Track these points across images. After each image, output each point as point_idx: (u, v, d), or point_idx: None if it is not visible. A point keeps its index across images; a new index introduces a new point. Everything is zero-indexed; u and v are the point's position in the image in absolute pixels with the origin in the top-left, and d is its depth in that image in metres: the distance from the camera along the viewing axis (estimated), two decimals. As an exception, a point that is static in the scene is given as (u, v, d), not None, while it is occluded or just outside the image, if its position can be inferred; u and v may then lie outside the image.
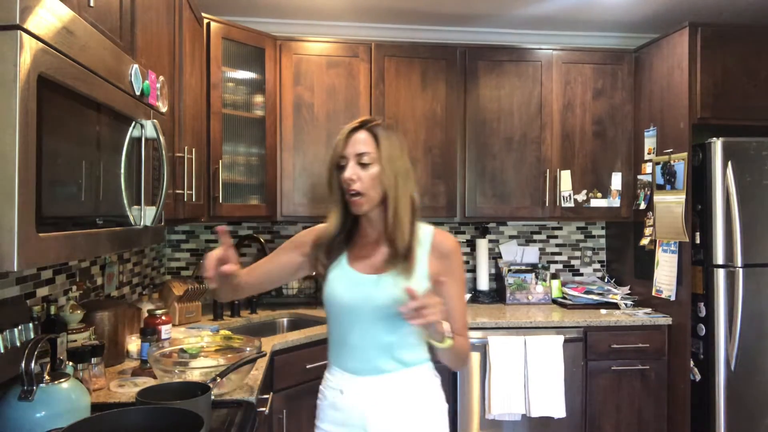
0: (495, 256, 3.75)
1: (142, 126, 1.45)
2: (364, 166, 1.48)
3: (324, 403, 1.62)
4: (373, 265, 1.53)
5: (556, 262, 3.83)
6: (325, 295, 1.57)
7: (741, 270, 2.88)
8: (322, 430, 1.62)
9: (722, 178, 2.91)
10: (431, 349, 1.53)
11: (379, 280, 1.50)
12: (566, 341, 3.01)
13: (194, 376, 1.75)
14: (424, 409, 1.54)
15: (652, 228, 3.24)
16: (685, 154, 2.98)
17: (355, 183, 1.48)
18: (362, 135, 1.50)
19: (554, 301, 3.54)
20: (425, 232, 1.56)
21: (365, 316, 1.51)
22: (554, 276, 3.69)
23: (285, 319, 3.19)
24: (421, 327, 1.37)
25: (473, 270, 3.69)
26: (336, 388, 1.57)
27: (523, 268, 3.61)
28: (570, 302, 3.40)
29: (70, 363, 1.73)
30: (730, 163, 2.90)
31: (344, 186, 1.50)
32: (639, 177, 3.38)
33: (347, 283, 1.54)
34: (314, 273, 1.65)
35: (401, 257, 1.48)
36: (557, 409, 2.94)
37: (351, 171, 1.48)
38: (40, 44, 0.95)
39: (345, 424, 1.54)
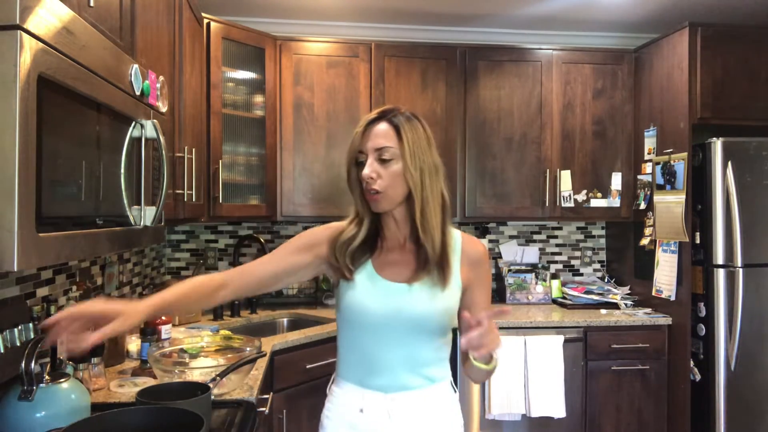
0: (495, 256, 3.75)
1: (142, 126, 1.45)
2: (384, 162, 1.32)
3: (334, 422, 1.44)
4: (402, 273, 1.38)
5: (556, 262, 3.83)
6: (349, 305, 1.38)
7: (741, 270, 2.88)
8: None
9: (722, 178, 2.91)
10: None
11: (411, 290, 1.35)
12: (566, 341, 3.01)
13: (194, 376, 1.75)
14: (447, 427, 1.44)
15: (652, 228, 3.24)
16: (685, 154, 2.98)
17: (375, 182, 1.32)
18: (382, 127, 1.33)
19: (554, 301, 3.54)
20: (455, 236, 1.43)
21: (396, 330, 1.36)
22: (554, 276, 3.69)
23: (285, 319, 3.19)
24: (477, 353, 1.26)
25: (473, 270, 3.68)
26: (354, 406, 1.40)
27: (523, 268, 3.61)
28: (570, 302, 3.40)
29: (70, 363, 1.73)
30: (730, 163, 2.90)
31: (363, 184, 1.35)
32: (639, 177, 3.38)
33: (376, 292, 1.37)
34: (330, 278, 1.47)
35: (433, 264, 1.35)
36: (557, 409, 2.94)
37: (370, 168, 1.32)
38: (40, 44, 0.95)
39: None
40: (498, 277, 3.66)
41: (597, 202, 3.43)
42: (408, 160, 1.32)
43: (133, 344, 2.26)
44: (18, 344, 1.48)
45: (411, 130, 1.34)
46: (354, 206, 1.42)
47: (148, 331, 2.11)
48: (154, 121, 1.49)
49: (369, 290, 1.37)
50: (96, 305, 1.15)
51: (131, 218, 1.42)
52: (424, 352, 1.40)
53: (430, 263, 1.35)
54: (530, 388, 2.94)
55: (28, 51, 0.91)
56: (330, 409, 1.46)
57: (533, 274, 3.56)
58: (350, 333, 1.42)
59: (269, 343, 2.47)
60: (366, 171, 1.32)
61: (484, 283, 1.46)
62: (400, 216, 1.40)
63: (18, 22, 0.89)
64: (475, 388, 3.00)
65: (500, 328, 3.06)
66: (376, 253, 1.42)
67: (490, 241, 3.72)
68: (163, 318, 2.21)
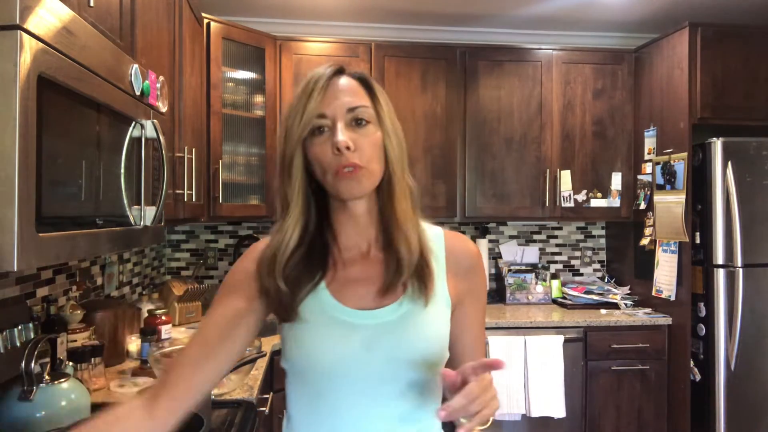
0: (495, 256, 3.75)
1: (142, 126, 1.45)
2: (359, 126, 0.96)
3: None
4: (369, 293, 0.99)
5: (556, 262, 3.82)
6: (299, 353, 0.98)
7: (741, 270, 2.88)
8: None
9: (722, 178, 2.91)
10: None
11: (389, 316, 0.97)
12: (566, 341, 3.01)
13: (194, 376, 1.74)
14: None
15: (652, 228, 3.24)
16: (685, 154, 2.98)
17: (353, 154, 0.93)
18: (351, 83, 0.99)
19: (554, 301, 3.54)
20: (435, 234, 1.06)
21: (367, 379, 0.96)
22: (554, 276, 3.69)
23: (285, 319, 3.18)
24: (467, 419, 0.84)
25: (473, 270, 3.69)
26: None
27: (523, 268, 3.61)
28: (570, 302, 3.40)
29: (70, 363, 1.73)
30: (730, 163, 2.90)
31: (328, 162, 0.94)
32: (639, 177, 3.38)
33: (336, 329, 0.97)
34: (268, 317, 1.02)
35: (410, 273, 0.97)
36: (557, 409, 2.94)
37: (344, 134, 0.93)
38: (40, 44, 0.95)
39: None
40: (498, 277, 3.66)
41: (597, 202, 3.43)
42: (388, 125, 0.99)
43: (133, 344, 2.26)
44: (18, 344, 1.48)
45: (379, 88, 1.04)
46: (283, 202, 0.99)
47: (148, 331, 2.11)
48: (154, 121, 1.49)
49: (325, 327, 0.97)
50: None
51: (131, 218, 1.42)
52: (408, 402, 0.99)
53: (405, 273, 0.96)
54: (530, 388, 2.94)
55: (28, 51, 0.91)
56: None
57: (533, 274, 3.56)
58: (302, 389, 1.02)
59: (269, 343, 2.47)
60: (340, 137, 0.93)
61: (477, 296, 1.06)
62: (364, 209, 1.01)
63: (18, 22, 0.89)
64: (475, 388, 2.99)
65: (501, 328, 3.08)
66: (330, 270, 1.01)
67: (490, 241, 3.72)
68: (163, 318, 2.21)
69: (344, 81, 0.99)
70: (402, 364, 0.96)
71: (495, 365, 0.86)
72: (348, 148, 0.93)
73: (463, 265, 1.05)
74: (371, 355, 0.95)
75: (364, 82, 1.01)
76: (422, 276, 0.97)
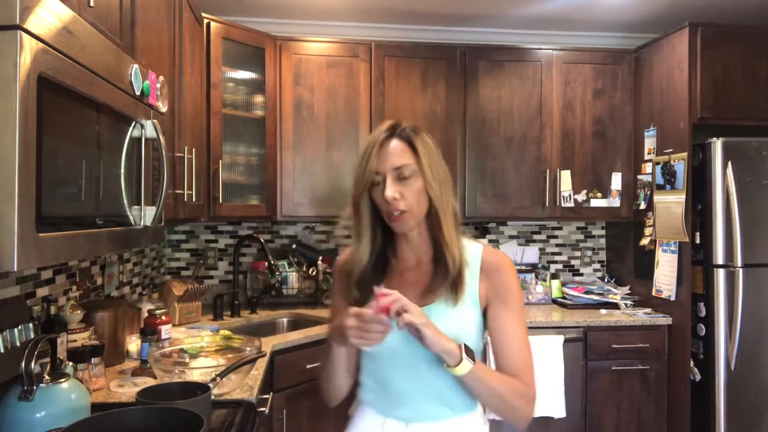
0: (495, 256, 3.74)
1: (142, 126, 1.45)
2: (404, 180, 1.25)
3: None
4: (416, 296, 1.28)
5: (556, 262, 3.83)
6: None
7: (741, 270, 2.88)
8: None
9: (722, 178, 2.91)
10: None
11: (427, 312, 1.22)
12: (566, 341, 3.01)
13: (194, 376, 1.75)
14: None
15: (652, 228, 3.24)
16: (685, 154, 2.98)
17: (399, 202, 1.24)
18: (398, 144, 1.26)
19: (554, 301, 3.54)
20: (474, 250, 1.33)
21: (411, 357, 1.26)
22: (554, 276, 3.69)
23: (285, 319, 3.19)
24: (413, 333, 1.17)
25: (473, 270, 3.69)
26: None
27: (523, 268, 3.61)
28: (570, 302, 3.40)
29: (70, 363, 1.73)
30: (730, 163, 2.90)
31: (383, 207, 1.27)
32: (639, 177, 3.38)
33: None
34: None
35: (451, 280, 1.26)
36: (557, 409, 2.94)
37: (392, 189, 1.24)
38: (40, 44, 0.95)
39: None
40: (498, 277, 3.66)
41: (597, 202, 3.43)
42: (428, 175, 1.26)
43: (133, 344, 2.26)
44: (18, 344, 1.48)
45: (423, 143, 1.28)
46: (360, 231, 1.32)
47: (148, 331, 2.11)
48: (154, 121, 1.49)
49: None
50: None
51: (131, 218, 1.42)
52: (444, 380, 1.26)
53: (446, 281, 1.26)
54: (530, 388, 2.94)
55: (28, 51, 0.91)
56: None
57: (533, 274, 3.56)
58: (367, 361, 1.35)
59: (269, 343, 2.48)
60: (388, 192, 1.23)
61: (500, 296, 1.29)
62: (415, 234, 1.32)
63: (18, 22, 0.89)
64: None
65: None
66: (388, 277, 1.34)
67: (490, 241, 3.72)
68: (163, 318, 2.21)
69: (393, 144, 1.27)
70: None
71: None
72: (396, 198, 1.24)
73: (490, 272, 1.30)
74: (411, 339, 1.21)
75: (410, 143, 1.27)
76: (455, 283, 1.26)
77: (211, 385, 1.59)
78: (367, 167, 1.26)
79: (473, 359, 1.20)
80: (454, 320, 1.26)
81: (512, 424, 1.30)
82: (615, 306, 3.32)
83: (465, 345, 1.20)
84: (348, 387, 1.38)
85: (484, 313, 1.31)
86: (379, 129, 1.30)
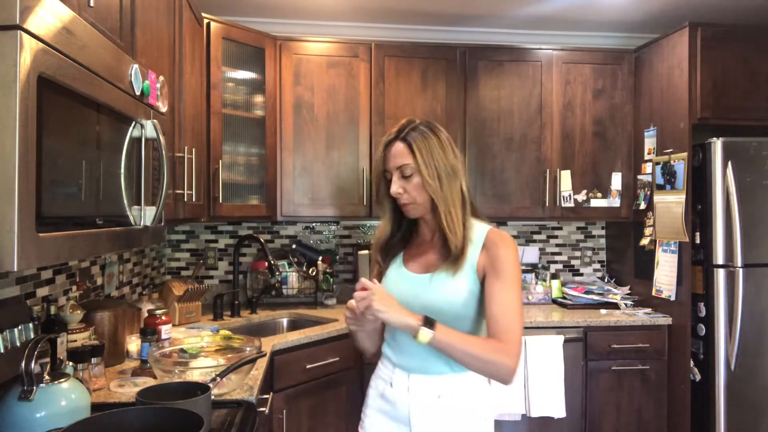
0: (495, 256, 3.74)
1: (142, 126, 1.45)
2: (406, 177, 1.50)
3: (373, 391, 1.65)
4: (425, 265, 1.56)
5: (556, 262, 3.83)
6: None
7: (741, 270, 2.88)
8: (368, 416, 1.65)
9: (722, 178, 2.91)
10: None
11: (430, 279, 1.51)
12: (566, 341, 3.01)
13: (194, 376, 1.75)
14: (469, 416, 1.52)
15: (652, 228, 3.24)
16: (685, 154, 2.98)
17: (403, 195, 1.52)
18: (399, 146, 1.51)
19: (554, 301, 3.54)
20: (480, 230, 1.53)
21: (410, 310, 1.46)
22: (554, 276, 3.69)
23: (285, 319, 3.19)
24: (374, 315, 1.41)
25: (473, 270, 3.69)
26: (386, 380, 1.60)
27: (523, 268, 3.60)
28: (570, 302, 3.40)
29: (70, 363, 1.73)
30: (730, 163, 2.90)
31: (395, 197, 1.54)
32: (639, 177, 3.38)
33: (400, 281, 1.57)
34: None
35: (454, 256, 1.48)
36: (557, 409, 2.94)
37: (396, 185, 1.51)
38: (40, 44, 0.95)
39: (390, 415, 1.58)
40: (498, 277, 3.66)
41: (597, 202, 3.43)
42: (424, 173, 1.47)
43: (133, 344, 2.26)
44: (18, 344, 1.48)
45: (422, 142, 1.48)
46: (384, 211, 1.61)
47: (148, 331, 2.11)
48: (154, 121, 1.49)
49: (395, 279, 1.58)
50: None
51: (131, 218, 1.42)
52: None
53: (448, 257, 1.49)
54: (530, 388, 2.94)
55: (28, 51, 0.91)
56: (373, 379, 1.67)
57: (533, 274, 3.56)
58: None
59: (269, 343, 2.47)
60: (393, 188, 1.51)
61: (497, 268, 1.47)
62: (426, 219, 1.58)
63: (18, 22, 0.89)
64: (475, 388, 3.00)
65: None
66: (409, 249, 1.62)
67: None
68: (163, 318, 2.21)
69: (396, 146, 1.51)
70: (433, 311, 1.45)
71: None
72: (399, 193, 1.51)
73: (490, 246, 1.50)
74: (416, 301, 1.49)
75: (408, 144, 1.50)
76: (456, 259, 1.48)
77: (211, 385, 1.59)
78: (378, 165, 1.56)
79: (432, 328, 1.38)
80: (452, 288, 1.48)
81: (498, 381, 1.45)
82: (615, 306, 3.32)
83: (426, 317, 1.39)
84: (373, 348, 1.65)
85: (483, 284, 1.50)
86: (391, 130, 1.55)
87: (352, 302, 1.43)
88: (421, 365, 1.52)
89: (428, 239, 1.60)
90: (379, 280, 1.57)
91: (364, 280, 1.42)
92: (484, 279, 1.49)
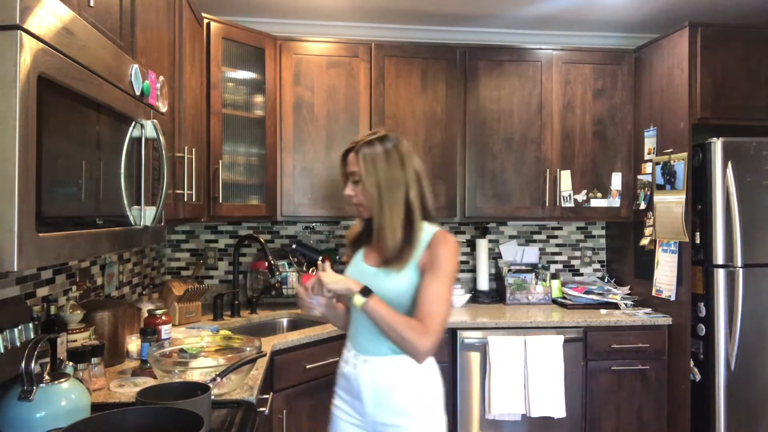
0: (495, 256, 3.75)
1: (142, 126, 1.45)
2: (356, 182, 1.72)
3: (338, 370, 1.85)
4: (378, 259, 1.75)
5: (556, 262, 3.83)
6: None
7: (741, 270, 2.88)
8: (336, 392, 1.86)
9: (722, 178, 2.91)
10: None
11: (378, 272, 1.71)
12: (566, 341, 3.01)
13: (194, 376, 1.75)
14: (413, 394, 1.69)
15: (652, 228, 3.24)
16: (685, 154, 2.98)
17: (353, 197, 1.75)
18: (351, 156, 1.73)
19: (554, 301, 3.54)
20: (428, 232, 1.71)
21: None
22: (554, 276, 3.69)
23: (285, 319, 3.19)
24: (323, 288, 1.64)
25: (473, 270, 3.69)
26: (346, 360, 1.80)
27: (523, 268, 3.60)
28: (570, 302, 3.40)
29: (70, 363, 1.73)
30: (730, 163, 2.90)
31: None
32: (639, 177, 3.38)
33: (355, 272, 1.79)
34: None
35: (389, 257, 1.69)
36: (557, 409, 2.94)
37: (348, 188, 1.75)
38: (40, 44, 0.95)
39: (348, 391, 1.78)
40: (498, 277, 3.66)
41: (597, 202, 3.43)
42: (365, 182, 1.69)
43: (133, 344, 2.26)
44: (18, 344, 1.48)
45: (369, 154, 1.68)
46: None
47: (148, 331, 2.11)
48: (154, 121, 1.49)
49: (352, 271, 1.80)
50: None
51: (131, 218, 1.42)
52: None
53: (389, 256, 1.69)
54: (530, 388, 2.94)
55: (28, 51, 0.91)
56: (340, 361, 1.85)
57: (533, 274, 3.56)
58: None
59: (269, 343, 2.48)
60: (346, 191, 1.76)
61: (434, 263, 1.66)
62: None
63: (18, 22, 0.89)
64: (476, 388, 3.00)
65: (500, 328, 3.09)
66: (370, 244, 1.80)
67: (490, 241, 3.72)
68: (163, 318, 2.21)
69: (350, 156, 1.74)
70: (383, 299, 1.64)
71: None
72: (350, 195, 1.75)
73: (432, 245, 1.68)
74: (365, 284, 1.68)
75: (357, 155, 1.71)
76: (397, 256, 1.68)
77: (211, 385, 1.59)
78: (340, 171, 1.80)
79: (367, 296, 1.60)
80: (397, 281, 1.68)
81: (410, 357, 1.63)
82: (615, 306, 3.32)
83: (366, 287, 1.62)
84: (345, 327, 1.87)
85: None
86: (352, 142, 1.77)
87: (300, 288, 1.70)
88: (372, 347, 1.71)
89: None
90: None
91: (311, 272, 1.66)
92: (423, 272, 1.67)
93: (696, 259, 3.01)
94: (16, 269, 0.89)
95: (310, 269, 1.86)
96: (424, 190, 1.74)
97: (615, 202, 3.43)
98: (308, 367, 2.60)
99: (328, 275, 1.64)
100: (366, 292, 1.61)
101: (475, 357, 3.00)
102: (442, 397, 1.76)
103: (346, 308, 1.81)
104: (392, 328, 1.59)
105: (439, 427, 1.72)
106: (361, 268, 1.78)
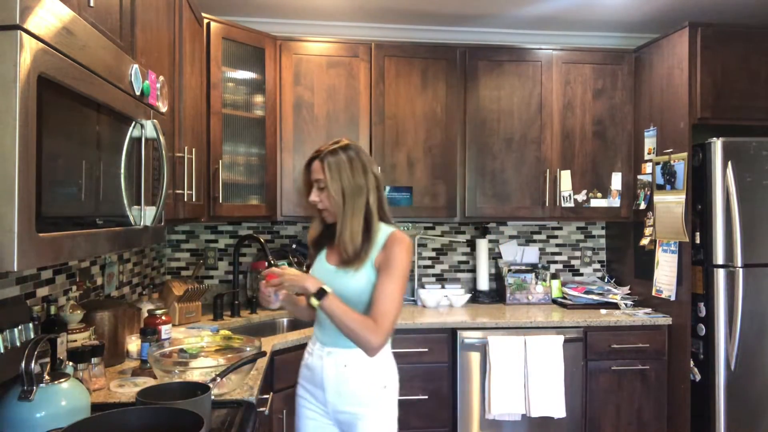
0: (495, 256, 3.75)
1: (142, 126, 1.45)
2: (321, 189, 1.82)
3: (302, 361, 1.97)
4: (338, 259, 1.86)
5: (556, 262, 3.83)
6: None
7: (741, 270, 2.88)
8: (299, 383, 1.97)
9: (722, 178, 2.91)
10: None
11: (337, 271, 1.84)
12: (566, 341, 3.01)
13: (194, 376, 1.75)
14: (370, 382, 1.83)
15: (652, 228, 3.24)
16: (685, 154, 2.98)
17: (319, 203, 1.84)
18: (316, 165, 1.82)
19: (554, 301, 3.54)
20: (384, 233, 1.84)
21: None
22: (554, 276, 3.69)
23: (285, 319, 3.19)
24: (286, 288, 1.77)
25: (473, 270, 3.69)
26: (309, 352, 1.94)
27: (523, 268, 3.61)
28: (570, 302, 3.40)
29: (70, 363, 1.73)
30: (730, 163, 2.90)
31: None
32: (639, 177, 3.38)
33: (318, 271, 1.90)
34: None
35: (348, 259, 1.80)
36: (557, 409, 2.94)
37: (313, 195, 1.84)
38: (40, 44, 0.95)
39: (311, 381, 1.91)
40: (498, 277, 3.66)
41: (597, 202, 3.43)
42: (330, 190, 1.79)
43: (133, 344, 2.26)
44: (18, 344, 1.48)
45: (334, 163, 1.78)
46: (313, 214, 1.93)
47: (148, 331, 2.11)
48: (154, 121, 1.49)
49: (316, 269, 1.92)
50: None
51: (131, 218, 1.42)
52: None
53: (348, 258, 1.81)
54: (530, 388, 2.94)
55: (28, 51, 0.91)
56: (304, 353, 1.99)
57: (533, 274, 3.56)
58: None
59: (269, 343, 2.48)
60: (311, 197, 1.85)
61: (387, 263, 1.79)
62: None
63: (18, 22, 0.89)
64: (476, 388, 3.00)
65: (500, 328, 3.09)
66: (332, 244, 1.90)
67: (490, 241, 3.72)
68: (163, 318, 2.21)
69: (315, 165, 1.83)
70: (342, 297, 1.76)
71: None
72: (315, 201, 1.84)
73: (387, 246, 1.81)
74: (327, 284, 1.77)
75: (321, 163, 1.80)
76: (358, 256, 1.80)
77: (211, 385, 1.59)
78: (303, 183, 1.89)
79: (321, 297, 1.70)
80: (355, 280, 1.80)
81: (363, 350, 1.76)
82: (615, 306, 3.32)
83: (322, 288, 1.71)
84: (309, 319, 2.03)
85: None
86: (316, 150, 1.85)
87: (262, 283, 1.79)
88: (334, 340, 1.82)
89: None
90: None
91: (273, 269, 1.79)
92: (378, 271, 1.80)
93: (696, 259, 3.01)
94: (16, 269, 0.89)
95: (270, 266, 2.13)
96: (382, 195, 1.88)
97: (615, 202, 3.43)
98: (308, 367, 2.60)
99: (286, 273, 1.75)
100: (321, 292, 1.71)
101: (475, 357, 3.00)
102: (397, 389, 1.91)
103: (308, 303, 1.89)
104: (346, 325, 1.72)
105: (391, 417, 1.87)
106: (324, 267, 1.89)
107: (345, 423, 1.86)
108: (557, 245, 3.83)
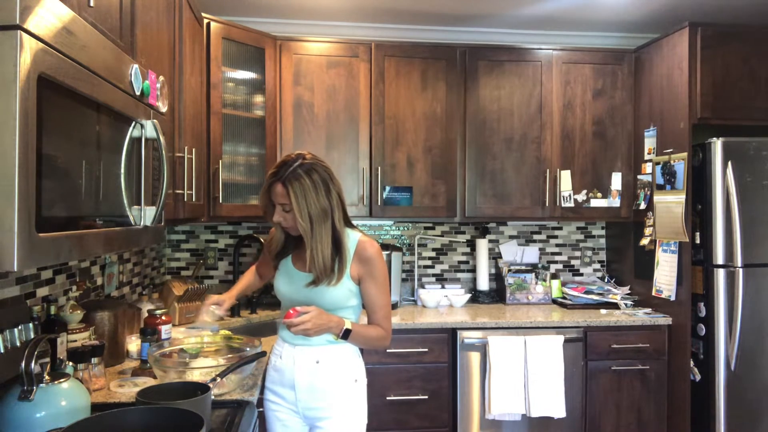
0: (495, 256, 3.75)
1: (142, 126, 1.45)
2: (286, 211, 1.82)
3: (270, 365, 1.99)
4: (304, 265, 1.88)
5: (556, 262, 3.83)
6: (275, 284, 1.99)
7: (741, 270, 2.88)
8: (267, 388, 1.98)
9: (722, 178, 2.91)
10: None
11: (308, 277, 1.86)
12: (566, 341, 3.01)
13: (194, 376, 1.75)
14: (341, 377, 1.88)
15: (652, 228, 3.24)
16: (685, 154, 2.98)
17: (283, 223, 1.85)
18: (278, 188, 1.79)
19: (554, 301, 3.54)
20: (352, 240, 1.88)
21: (297, 302, 1.86)
22: (554, 276, 3.69)
23: (285, 319, 3.18)
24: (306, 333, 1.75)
25: (473, 270, 3.69)
26: (277, 354, 1.95)
27: (523, 268, 3.61)
28: (570, 302, 3.40)
29: (70, 363, 1.73)
30: (730, 163, 2.90)
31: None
32: (639, 177, 3.38)
33: (287, 276, 1.94)
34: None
35: (325, 276, 1.83)
36: (557, 409, 2.94)
37: (278, 216, 1.83)
38: (40, 44, 0.95)
39: (280, 383, 1.92)
40: (498, 277, 3.66)
41: (597, 202, 3.43)
42: (296, 213, 1.78)
43: (133, 344, 2.26)
44: (18, 344, 1.48)
45: (298, 187, 1.76)
46: (274, 226, 1.93)
47: (148, 331, 2.11)
48: (154, 121, 1.49)
49: (283, 275, 1.96)
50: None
51: (131, 218, 1.42)
52: None
53: (319, 279, 1.84)
54: (530, 388, 2.94)
55: (28, 51, 0.91)
56: (269, 356, 2.01)
57: (533, 274, 3.56)
58: (281, 306, 1.99)
59: (269, 343, 2.47)
60: (275, 218, 1.84)
61: (373, 275, 1.88)
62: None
63: (18, 22, 0.89)
64: (476, 388, 3.00)
65: (500, 328, 3.09)
66: (296, 251, 1.94)
67: (490, 241, 3.72)
68: (163, 318, 2.21)
69: (277, 188, 1.80)
70: (312, 299, 1.86)
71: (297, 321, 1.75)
72: (279, 221, 1.85)
73: (363, 258, 1.88)
74: (298, 291, 1.90)
75: (286, 188, 1.78)
76: (331, 272, 1.84)
77: (211, 385, 1.59)
78: (263, 199, 1.87)
79: (348, 332, 1.80)
80: (333, 294, 1.86)
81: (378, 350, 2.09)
82: (615, 306, 3.33)
83: (345, 330, 1.80)
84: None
85: (360, 284, 1.90)
86: (272, 168, 1.82)
87: (292, 322, 1.74)
88: (303, 338, 1.85)
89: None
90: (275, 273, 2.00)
91: (297, 309, 1.75)
92: (361, 281, 1.88)
93: (696, 259, 3.01)
94: (16, 269, 0.89)
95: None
96: (344, 205, 1.89)
97: (615, 202, 3.43)
98: (308, 367, 2.59)
99: (313, 318, 1.73)
100: (346, 333, 1.81)
101: (475, 357, 3.00)
102: (366, 383, 1.97)
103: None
104: (368, 344, 1.93)
105: (362, 410, 1.92)
106: (294, 273, 1.92)
107: (317, 419, 1.88)
108: (557, 245, 3.83)
